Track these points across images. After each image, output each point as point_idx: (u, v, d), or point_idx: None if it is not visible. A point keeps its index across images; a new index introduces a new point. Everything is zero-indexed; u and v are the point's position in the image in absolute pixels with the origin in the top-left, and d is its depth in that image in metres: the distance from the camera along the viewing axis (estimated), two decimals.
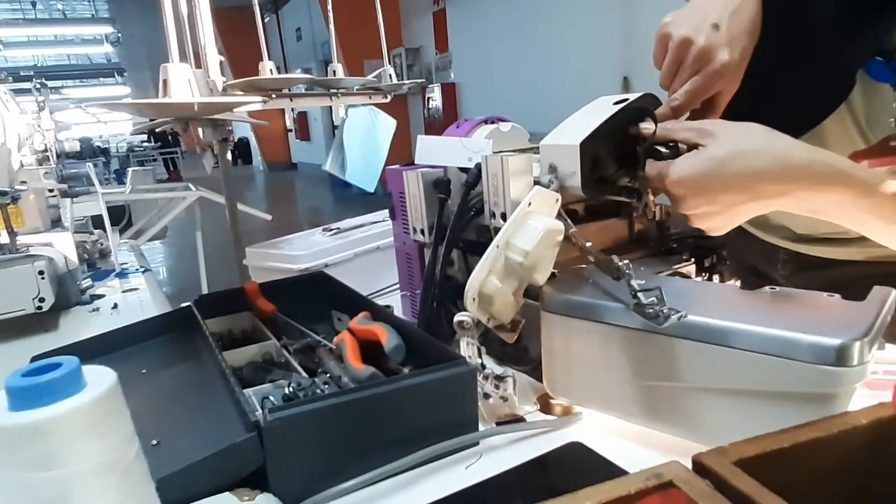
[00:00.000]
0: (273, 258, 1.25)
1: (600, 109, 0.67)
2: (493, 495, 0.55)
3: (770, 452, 0.34)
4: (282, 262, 1.22)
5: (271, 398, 0.64)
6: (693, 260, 0.74)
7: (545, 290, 0.63)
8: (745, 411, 0.51)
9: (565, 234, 0.63)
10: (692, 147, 0.57)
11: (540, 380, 0.67)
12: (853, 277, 0.67)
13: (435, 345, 0.67)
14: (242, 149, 16.29)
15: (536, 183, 0.65)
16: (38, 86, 1.90)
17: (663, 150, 0.61)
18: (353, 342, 0.72)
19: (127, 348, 0.85)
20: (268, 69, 1.34)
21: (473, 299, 0.63)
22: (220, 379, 0.67)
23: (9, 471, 0.33)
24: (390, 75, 1.55)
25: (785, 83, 0.69)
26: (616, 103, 0.67)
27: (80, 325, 1.21)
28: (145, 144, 13.36)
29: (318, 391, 0.64)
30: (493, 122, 0.88)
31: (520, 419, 0.65)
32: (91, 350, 0.81)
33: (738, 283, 0.84)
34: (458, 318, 0.65)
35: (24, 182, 1.37)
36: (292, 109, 11.85)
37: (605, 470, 0.55)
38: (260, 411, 0.55)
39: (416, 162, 0.87)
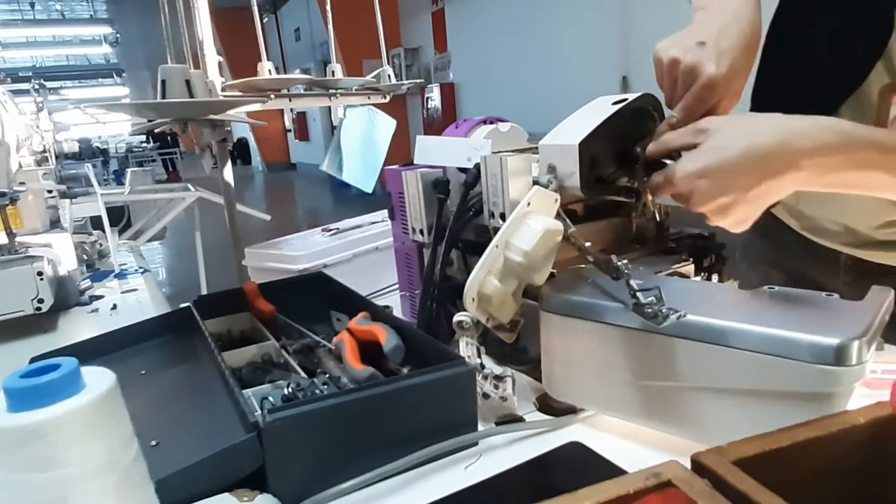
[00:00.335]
0: (272, 258, 1.25)
1: (599, 109, 0.67)
2: (493, 495, 0.55)
3: (769, 452, 0.34)
4: (281, 262, 1.22)
5: (270, 399, 0.64)
6: (692, 260, 0.74)
7: (544, 289, 0.63)
8: (744, 411, 0.51)
9: (564, 233, 0.63)
10: (692, 148, 0.57)
11: (539, 380, 0.67)
12: None
13: (434, 345, 0.67)
14: (241, 149, 16.28)
15: (535, 183, 0.65)
16: (37, 87, 1.90)
17: (667, 161, 0.61)
18: (353, 342, 0.72)
19: (126, 349, 0.84)
20: (266, 70, 1.34)
21: (473, 299, 0.63)
22: (220, 380, 0.67)
23: (8, 472, 0.33)
24: (389, 75, 1.55)
25: (822, 42, 0.68)
26: (615, 103, 0.67)
27: (79, 326, 1.21)
28: (144, 145, 13.35)
29: (318, 392, 0.64)
30: (491, 123, 0.88)
31: (519, 419, 0.65)
32: (90, 351, 0.81)
33: (737, 283, 0.84)
34: (457, 318, 0.65)
35: (22, 183, 1.37)
36: (291, 110, 11.86)
37: (605, 469, 0.55)
38: (259, 412, 0.55)
39: (415, 162, 0.87)
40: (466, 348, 0.65)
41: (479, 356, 0.65)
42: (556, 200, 0.65)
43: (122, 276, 1.56)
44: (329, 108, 1.57)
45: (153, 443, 0.57)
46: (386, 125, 1.67)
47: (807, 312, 0.53)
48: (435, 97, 7.79)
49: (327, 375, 0.69)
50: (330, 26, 1.62)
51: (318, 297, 0.95)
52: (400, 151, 1.31)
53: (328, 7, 1.59)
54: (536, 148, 0.69)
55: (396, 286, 0.98)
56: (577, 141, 0.63)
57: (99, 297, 1.37)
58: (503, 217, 0.66)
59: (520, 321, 0.68)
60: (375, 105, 1.64)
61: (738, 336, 0.50)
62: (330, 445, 0.55)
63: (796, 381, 0.48)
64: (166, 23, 1.63)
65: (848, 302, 0.53)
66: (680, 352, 0.54)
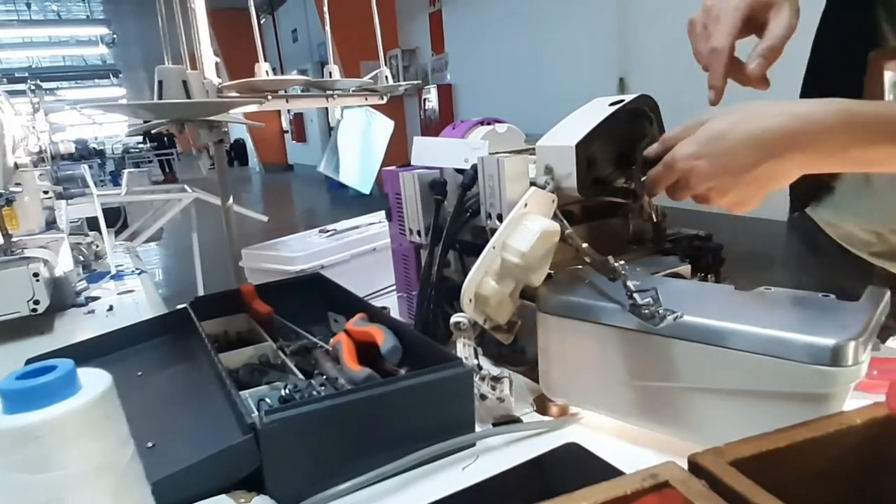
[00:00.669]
0: (269, 260, 1.25)
1: (596, 111, 0.67)
2: (490, 496, 0.55)
3: (765, 452, 0.34)
4: (278, 263, 1.22)
5: (267, 400, 0.64)
6: (689, 260, 0.74)
7: (541, 290, 0.63)
8: (741, 411, 0.51)
9: (561, 234, 0.63)
10: None
11: (536, 381, 0.67)
12: None
13: (431, 346, 0.67)
14: (238, 150, 16.27)
15: (532, 184, 0.65)
16: (33, 87, 1.89)
17: None
18: (350, 344, 0.72)
19: (122, 350, 0.84)
20: (264, 71, 1.34)
21: (470, 300, 0.63)
22: (216, 381, 0.67)
23: (4, 473, 0.33)
24: (386, 77, 1.55)
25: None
26: (612, 104, 0.68)
27: (76, 328, 1.20)
28: (141, 146, 13.33)
29: (315, 393, 0.64)
30: (489, 124, 0.89)
31: (516, 420, 0.65)
32: (86, 352, 0.80)
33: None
34: (454, 319, 0.65)
35: (18, 184, 1.36)
36: (288, 111, 11.85)
37: (602, 470, 0.55)
38: (256, 413, 0.55)
39: (412, 163, 0.87)
40: (464, 349, 0.65)
41: (477, 357, 0.65)
42: (554, 201, 0.65)
43: (118, 277, 1.56)
44: (326, 109, 1.57)
45: (150, 444, 0.57)
46: (383, 126, 1.67)
47: (803, 313, 0.53)
48: (432, 98, 7.80)
49: (324, 377, 0.69)
50: (327, 27, 1.62)
51: (315, 299, 0.95)
52: (397, 152, 1.31)
53: (326, 8, 1.59)
54: (533, 149, 0.69)
55: (394, 287, 0.98)
56: (575, 142, 0.63)
57: (95, 299, 1.37)
58: (500, 218, 0.66)
59: (517, 322, 0.68)
60: (373, 106, 1.64)
61: (734, 337, 0.50)
62: (327, 447, 0.55)
63: (793, 381, 0.48)
64: (163, 23, 1.63)
65: (844, 303, 0.53)
66: (677, 353, 0.54)
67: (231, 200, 1.50)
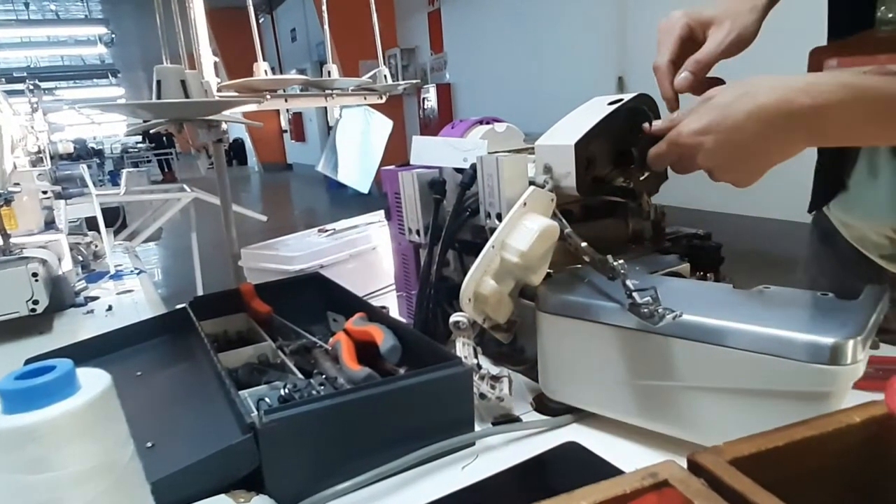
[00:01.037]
0: (268, 259, 1.25)
1: (595, 110, 0.67)
2: (490, 496, 0.55)
3: (765, 451, 0.35)
4: (277, 263, 1.22)
5: (267, 400, 0.64)
6: (688, 259, 0.74)
7: (540, 290, 0.64)
8: (740, 410, 0.51)
9: (560, 234, 0.63)
10: None
11: (536, 380, 0.67)
12: None
13: (431, 345, 0.67)
14: (237, 150, 16.26)
15: (531, 183, 0.65)
16: (32, 87, 1.89)
17: None
18: (349, 343, 0.72)
19: (122, 350, 0.84)
20: (262, 70, 1.34)
21: (469, 300, 0.63)
22: (216, 381, 0.67)
23: (3, 473, 0.33)
24: (385, 76, 1.55)
25: None
26: (611, 103, 0.68)
27: (75, 328, 1.20)
28: (140, 145, 13.32)
29: (314, 392, 0.64)
30: (488, 123, 0.89)
31: (516, 419, 0.65)
32: (85, 352, 0.80)
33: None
34: (453, 318, 0.65)
35: (17, 184, 1.36)
36: (287, 110, 11.85)
37: (601, 469, 0.55)
38: (255, 413, 0.55)
39: (411, 162, 0.86)
40: (463, 349, 0.65)
41: (476, 356, 0.65)
42: (553, 200, 0.65)
43: (117, 277, 1.55)
44: (325, 108, 1.57)
45: (149, 444, 0.57)
46: (382, 126, 1.67)
47: (802, 312, 0.53)
48: (431, 98, 7.80)
49: (324, 376, 0.69)
50: (326, 27, 1.62)
51: (314, 298, 0.95)
52: (396, 152, 1.31)
53: (324, 7, 1.59)
54: (532, 148, 0.69)
55: (393, 287, 0.98)
56: (574, 141, 0.63)
57: (94, 299, 1.37)
58: (499, 217, 0.66)
59: (516, 321, 0.68)
60: (371, 105, 1.64)
61: (734, 336, 0.50)
62: (327, 446, 0.55)
63: (792, 380, 0.48)
64: (162, 23, 1.63)
65: (843, 301, 0.53)
66: (676, 351, 0.54)
67: (230, 200, 1.50)
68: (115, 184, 4.08)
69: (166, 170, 12.83)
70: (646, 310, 0.54)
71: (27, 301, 1.10)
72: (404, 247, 0.90)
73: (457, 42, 7.54)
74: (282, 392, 0.64)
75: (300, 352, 0.79)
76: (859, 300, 0.53)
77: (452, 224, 0.75)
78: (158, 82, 1.21)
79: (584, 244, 0.62)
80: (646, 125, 0.64)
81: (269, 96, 1.34)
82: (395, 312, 0.96)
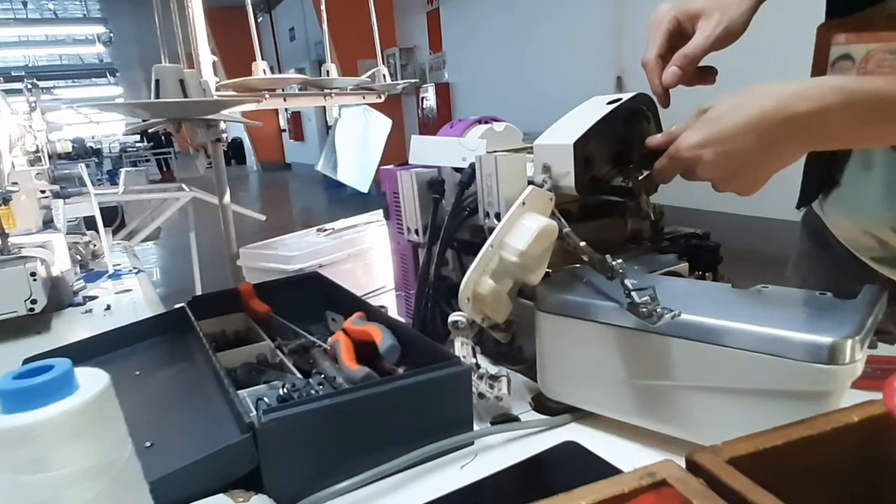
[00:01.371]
0: (267, 259, 1.25)
1: (594, 109, 0.68)
2: (488, 495, 0.55)
3: (763, 450, 0.35)
4: (276, 262, 1.21)
5: (265, 399, 0.64)
6: (686, 259, 0.74)
7: (539, 289, 0.64)
8: (739, 409, 0.52)
9: (559, 233, 0.63)
10: None
11: (534, 379, 0.67)
12: None
13: (429, 345, 0.67)
14: (236, 149, 16.24)
15: (530, 183, 0.65)
16: (30, 86, 1.88)
17: None
18: (348, 343, 0.72)
19: (120, 350, 0.84)
20: (261, 69, 1.34)
21: (468, 299, 0.63)
22: (214, 380, 0.67)
23: (1, 473, 0.33)
24: (384, 75, 1.55)
25: None
26: (609, 103, 0.68)
27: (73, 327, 1.20)
28: (138, 145, 13.30)
29: (313, 392, 0.64)
30: (486, 122, 0.88)
31: (514, 419, 0.65)
32: (84, 352, 0.80)
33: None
34: (452, 317, 0.65)
35: (15, 183, 1.36)
36: (286, 109, 11.84)
37: (600, 469, 0.55)
38: (254, 412, 0.55)
39: (410, 162, 0.86)
40: (462, 348, 0.65)
41: (475, 356, 0.65)
42: (551, 200, 0.65)
43: (116, 276, 1.55)
44: (324, 108, 1.57)
45: (147, 444, 0.57)
46: (380, 125, 1.67)
47: (801, 311, 0.53)
48: (430, 97, 7.80)
49: (322, 376, 0.69)
50: (325, 26, 1.62)
51: (313, 298, 0.95)
52: (395, 151, 1.31)
53: (323, 6, 1.59)
54: (531, 148, 0.69)
55: (392, 286, 0.98)
56: (572, 141, 0.63)
57: (93, 298, 1.36)
58: (498, 217, 0.66)
59: (515, 321, 0.68)
60: (370, 105, 1.64)
61: (732, 335, 0.50)
62: (325, 446, 0.55)
63: (790, 379, 0.48)
64: (160, 22, 1.63)
65: (841, 301, 0.53)
66: (675, 351, 0.54)
67: (229, 199, 1.50)
68: (114, 183, 4.08)
69: (165, 169, 12.82)
70: (644, 309, 0.54)
71: (25, 300, 1.10)
72: (403, 246, 0.90)
73: (456, 41, 7.54)
74: (280, 392, 0.64)
75: (299, 351, 0.79)
76: (857, 300, 0.53)
77: (451, 223, 0.75)
78: (157, 81, 1.21)
79: (582, 243, 0.62)
80: (649, 139, 0.63)
81: (267, 95, 1.34)
82: (393, 312, 0.96)
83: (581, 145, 0.63)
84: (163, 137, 13.43)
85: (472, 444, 0.61)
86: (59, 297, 1.26)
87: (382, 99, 1.62)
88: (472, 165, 0.71)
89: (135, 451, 0.39)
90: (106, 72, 16.44)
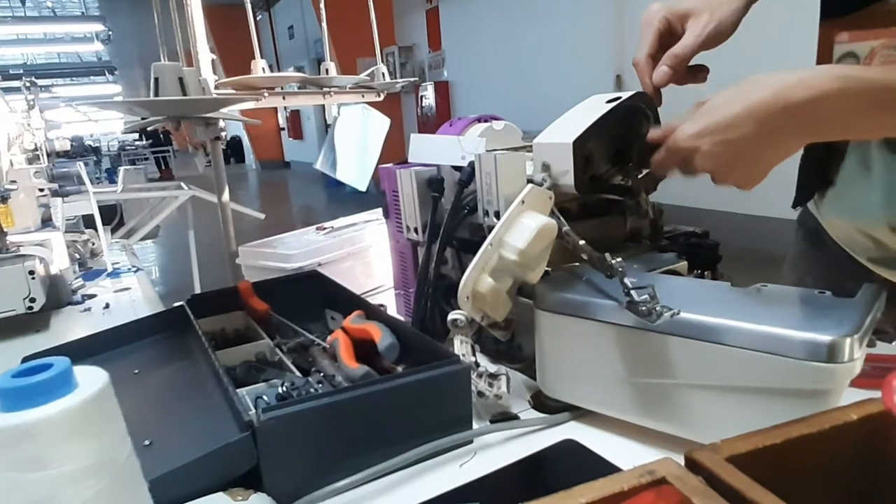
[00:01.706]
0: (266, 257, 1.25)
1: (593, 108, 0.67)
2: (488, 493, 0.55)
3: (762, 448, 0.35)
4: (275, 260, 1.21)
5: (265, 398, 0.64)
6: (686, 257, 0.74)
7: (538, 288, 0.64)
8: (738, 408, 0.52)
9: (558, 232, 0.63)
10: None
11: (534, 377, 0.67)
12: None
13: (429, 343, 0.67)
14: (235, 147, 16.23)
15: (530, 181, 0.65)
16: (28, 84, 1.88)
17: None
18: (347, 341, 0.72)
19: (119, 348, 0.84)
20: (260, 67, 1.34)
21: (467, 297, 0.63)
22: (214, 379, 0.67)
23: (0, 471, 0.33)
24: (383, 74, 1.55)
25: None
26: (609, 101, 0.68)
27: (72, 326, 1.20)
28: (137, 143, 13.29)
29: (312, 390, 0.64)
30: (486, 121, 0.88)
31: (513, 417, 0.65)
32: (82, 350, 0.80)
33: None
34: (451, 316, 0.65)
35: (14, 181, 1.36)
36: (285, 108, 11.83)
37: (599, 467, 0.55)
38: (253, 411, 0.55)
39: (409, 160, 0.86)
40: (461, 346, 0.65)
41: (474, 354, 0.65)
42: (551, 198, 0.65)
43: (114, 274, 1.55)
44: (323, 106, 1.57)
45: (146, 442, 0.57)
46: (379, 123, 1.67)
47: (800, 310, 0.53)
48: (429, 95, 7.79)
49: (322, 374, 0.69)
50: (324, 24, 1.61)
51: (312, 296, 0.95)
52: (394, 150, 1.31)
53: (322, 5, 1.58)
54: (531, 146, 0.69)
55: (391, 285, 0.98)
56: (572, 139, 0.63)
57: (91, 296, 1.36)
58: (497, 215, 0.66)
59: (514, 319, 0.68)
60: (369, 103, 1.64)
61: (731, 333, 0.50)
62: (324, 444, 0.55)
63: (789, 377, 0.48)
64: (159, 20, 1.63)
65: (840, 299, 0.53)
66: (674, 349, 0.54)
67: (227, 198, 1.50)
68: (113, 181, 4.06)
69: (163, 167, 12.80)
70: (643, 308, 0.54)
71: (24, 299, 1.10)
72: (402, 245, 0.90)
73: (455, 40, 7.53)
74: (280, 390, 0.64)
75: (298, 350, 0.78)
76: (856, 298, 0.53)
77: (450, 222, 0.75)
78: (156, 79, 1.21)
79: (582, 242, 0.62)
80: (650, 133, 0.63)
81: (266, 94, 1.34)
82: (393, 310, 0.96)
83: (580, 144, 0.63)
84: (161, 136, 13.42)
85: (471, 442, 0.61)
86: (58, 296, 1.26)
87: (381, 97, 1.61)
88: (472, 164, 0.71)
89: (134, 450, 0.39)
90: (104, 70, 16.42)
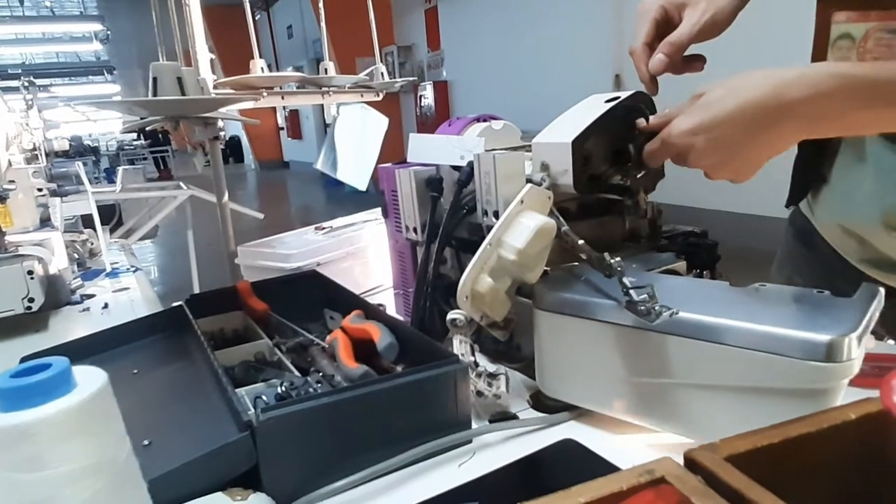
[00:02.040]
0: (265, 257, 1.25)
1: (592, 107, 0.67)
2: (486, 493, 0.55)
3: (761, 448, 0.35)
4: (274, 260, 1.21)
5: (264, 397, 0.64)
6: (684, 257, 0.74)
7: (537, 287, 0.64)
8: (736, 407, 0.52)
9: (557, 231, 0.63)
10: None
11: (533, 377, 0.67)
12: None
13: (428, 343, 0.67)
14: (234, 147, 16.22)
15: (528, 181, 0.65)
16: (27, 84, 1.88)
17: None
18: (346, 341, 0.72)
19: (118, 348, 0.84)
20: (259, 67, 1.34)
21: (466, 297, 0.63)
22: (213, 378, 0.67)
23: None
24: (382, 73, 1.55)
25: None
26: (608, 101, 0.68)
27: (71, 325, 1.20)
28: (135, 143, 13.28)
29: (311, 390, 0.64)
30: (485, 121, 0.88)
31: (512, 417, 0.65)
32: (81, 350, 0.80)
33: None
34: (450, 315, 0.65)
35: (12, 181, 1.36)
36: (284, 108, 11.82)
37: (598, 467, 0.55)
38: (252, 411, 0.55)
39: (408, 160, 0.86)
40: (460, 346, 0.65)
41: (473, 354, 0.65)
42: (550, 198, 0.65)
43: (113, 274, 1.55)
44: (322, 106, 1.57)
45: (145, 442, 0.57)
46: (377, 123, 1.67)
47: (798, 309, 0.53)
48: (428, 95, 7.79)
49: (321, 374, 0.69)
50: (323, 24, 1.61)
51: (311, 296, 0.95)
52: (393, 149, 1.31)
53: (321, 4, 1.58)
54: (529, 146, 0.69)
55: (390, 284, 0.98)
56: (571, 139, 0.63)
57: (90, 296, 1.36)
58: (496, 215, 0.66)
59: (513, 319, 0.68)
60: (368, 103, 1.64)
61: (730, 333, 0.51)
62: (323, 444, 0.55)
63: (788, 377, 0.48)
64: (157, 19, 1.63)
65: (839, 299, 0.53)
66: (672, 349, 0.54)
67: (226, 197, 1.50)
68: (111, 181, 4.06)
69: (162, 167, 12.79)
70: (642, 307, 0.54)
71: (23, 299, 1.10)
72: (401, 244, 0.90)
73: (454, 39, 7.53)
74: (279, 390, 0.64)
75: (297, 350, 0.78)
76: (854, 297, 0.53)
77: (449, 222, 0.75)
78: (154, 79, 1.21)
79: (580, 242, 0.62)
80: (640, 121, 0.64)
81: (265, 93, 1.34)
82: (392, 310, 0.96)
83: (579, 143, 0.63)
84: (160, 135, 13.42)
85: (470, 442, 0.61)
86: (57, 296, 1.26)
87: (380, 97, 1.62)
88: (471, 164, 0.71)
89: (133, 450, 0.39)
90: (103, 69, 16.40)
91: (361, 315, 0.77)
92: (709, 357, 0.52)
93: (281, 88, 1.41)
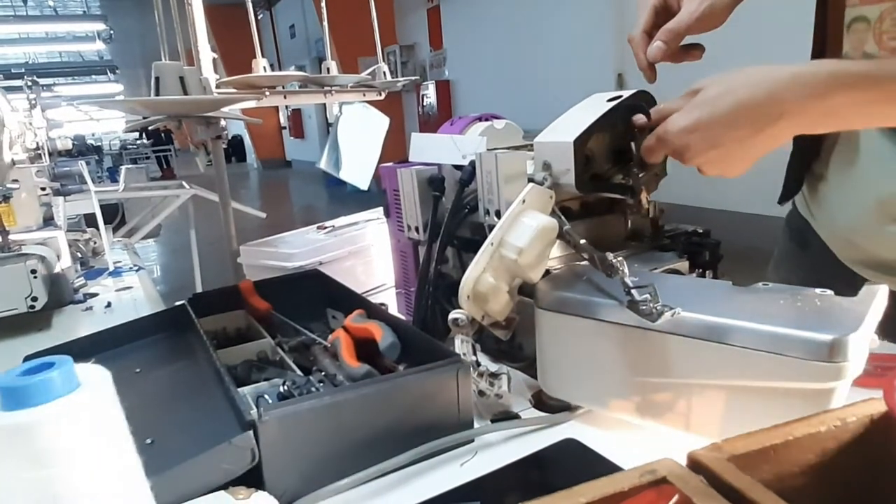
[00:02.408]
0: (267, 256, 1.25)
1: (594, 106, 0.67)
2: (488, 492, 0.55)
3: (764, 448, 0.35)
4: (276, 259, 1.21)
5: (266, 396, 0.64)
6: (687, 257, 0.74)
7: (539, 287, 0.64)
8: (739, 407, 0.52)
9: (559, 231, 0.63)
10: None
11: (534, 377, 0.67)
12: None
13: (429, 342, 0.67)
14: (236, 146, 16.23)
15: (530, 180, 0.65)
16: (30, 83, 1.88)
17: None
18: (348, 340, 0.72)
19: (121, 347, 0.84)
20: (261, 66, 1.34)
21: (468, 297, 0.63)
22: (215, 377, 0.67)
23: (2, 470, 0.33)
24: (384, 72, 1.55)
25: None
26: (610, 100, 0.67)
27: (74, 324, 1.20)
28: (138, 142, 13.29)
29: (313, 389, 0.64)
30: (487, 120, 0.88)
31: (514, 416, 0.65)
32: (84, 349, 0.80)
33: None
34: (452, 315, 0.65)
35: (15, 180, 1.36)
36: (286, 107, 11.83)
37: (600, 466, 0.55)
38: (255, 410, 0.55)
39: (410, 159, 0.86)
40: (462, 345, 0.65)
41: (475, 353, 0.65)
42: (552, 197, 0.65)
43: (116, 273, 1.55)
44: (324, 105, 1.57)
45: (148, 441, 0.57)
46: (378, 122, 1.67)
47: (801, 309, 0.53)
48: (430, 94, 7.79)
49: (323, 373, 0.69)
50: (325, 23, 1.61)
51: (313, 295, 0.95)
52: (395, 149, 1.31)
53: (323, 4, 1.58)
54: (531, 145, 0.69)
55: (392, 284, 0.98)
56: (573, 138, 0.63)
57: (93, 295, 1.37)
58: (498, 214, 0.66)
59: (515, 318, 0.68)
60: (370, 102, 1.64)
61: (732, 332, 0.50)
62: (326, 443, 0.55)
63: (791, 377, 0.48)
64: (160, 19, 1.63)
65: (842, 298, 0.53)
66: (675, 348, 0.54)
67: (229, 197, 1.50)
68: (114, 180, 4.06)
69: (165, 166, 12.81)
70: (644, 307, 0.54)
71: (26, 298, 1.10)
72: (403, 244, 0.90)
73: (456, 39, 7.52)
74: (281, 389, 0.64)
75: (299, 349, 0.79)
76: (858, 297, 0.53)
77: (451, 221, 0.75)
78: (157, 79, 1.21)
79: (582, 241, 0.62)
80: (636, 118, 0.64)
81: (267, 93, 1.34)
82: (393, 309, 0.96)
83: (581, 143, 0.63)
84: (163, 135, 13.44)
85: (472, 441, 0.61)
86: (60, 295, 1.26)
87: (383, 96, 1.61)
88: (473, 163, 0.71)
89: (136, 448, 0.39)
90: (106, 69, 16.43)
91: (363, 314, 0.77)
92: (711, 357, 0.52)
93: (283, 88, 1.41)
